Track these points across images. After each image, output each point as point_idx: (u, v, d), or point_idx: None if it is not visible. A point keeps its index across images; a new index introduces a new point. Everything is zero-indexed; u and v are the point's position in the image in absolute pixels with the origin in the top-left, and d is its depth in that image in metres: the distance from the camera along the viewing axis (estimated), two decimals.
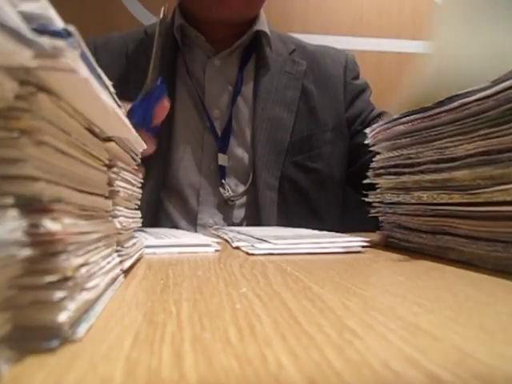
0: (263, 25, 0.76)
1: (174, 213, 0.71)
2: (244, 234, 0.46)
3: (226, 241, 0.44)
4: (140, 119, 0.48)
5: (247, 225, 0.69)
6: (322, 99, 0.78)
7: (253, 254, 0.34)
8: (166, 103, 0.51)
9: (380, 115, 0.78)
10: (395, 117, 0.39)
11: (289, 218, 0.68)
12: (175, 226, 0.67)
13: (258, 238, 0.40)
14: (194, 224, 0.69)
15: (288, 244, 0.36)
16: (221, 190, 0.69)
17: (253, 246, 0.36)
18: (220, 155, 0.70)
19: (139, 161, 0.31)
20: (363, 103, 0.81)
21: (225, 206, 0.70)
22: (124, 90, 0.71)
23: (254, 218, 0.68)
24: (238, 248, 0.38)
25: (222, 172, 0.70)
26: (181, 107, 0.73)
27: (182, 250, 0.36)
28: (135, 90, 0.71)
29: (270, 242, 0.36)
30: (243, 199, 0.71)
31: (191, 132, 0.73)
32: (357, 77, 0.83)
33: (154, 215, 0.70)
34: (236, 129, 0.73)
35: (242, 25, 0.74)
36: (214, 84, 0.74)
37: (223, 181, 0.69)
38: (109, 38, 0.80)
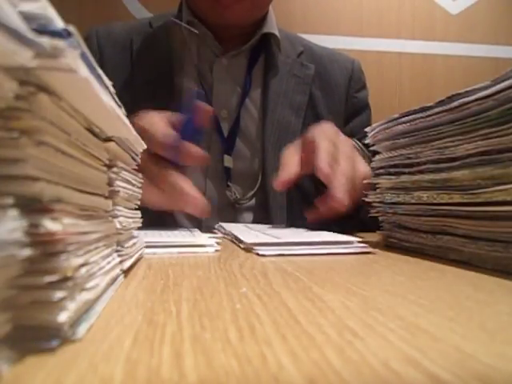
0: (272, 25, 0.75)
1: (180, 215, 0.71)
2: (255, 231, 0.46)
3: (232, 240, 0.44)
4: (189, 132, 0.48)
5: None
6: (327, 107, 0.77)
7: (263, 255, 0.34)
8: (201, 106, 0.49)
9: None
10: (395, 116, 0.39)
11: (296, 223, 0.67)
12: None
13: (274, 237, 0.40)
14: (199, 227, 0.68)
15: (291, 245, 0.36)
16: (227, 192, 0.68)
17: (263, 246, 0.35)
18: (226, 157, 0.69)
19: (139, 161, 0.31)
20: (359, 125, 0.79)
21: (231, 209, 0.69)
22: (128, 84, 0.71)
23: (263, 222, 0.67)
24: (246, 249, 0.38)
25: (227, 174, 0.69)
26: None
27: (182, 250, 0.36)
28: (140, 86, 0.71)
29: (280, 244, 0.36)
30: (251, 203, 0.69)
31: None
32: (362, 88, 0.82)
33: (160, 218, 0.69)
34: (243, 130, 0.71)
35: (250, 25, 0.73)
36: (222, 84, 0.73)
37: (229, 183, 0.68)
38: (112, 28, 0.78)
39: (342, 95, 0.79)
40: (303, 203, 0.69)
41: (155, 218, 0.66)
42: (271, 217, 0.67)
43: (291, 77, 0.75)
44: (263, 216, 0.68)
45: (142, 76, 0.72)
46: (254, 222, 0.69)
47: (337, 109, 0.78)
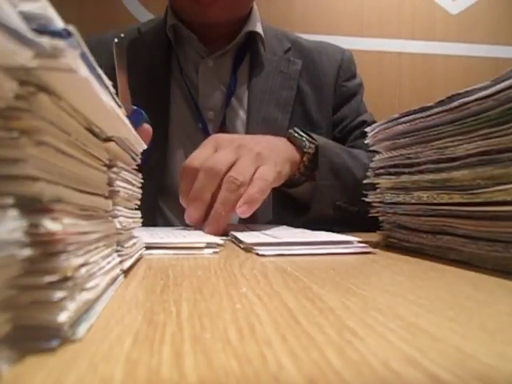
0: (256, 24, 0.75)
1: (172, 217, 0.71)
2: (255, 233, 0.46)
3: (232, 240, 0.44)
4: None
5: None
6: (316, 100, 0.77)
7: (263, 255, 0.34)
8: (145, 128, 0.49)
9: (361, 124, 0.77)
10: (395, 116, 0.39)
11: (282, 219, 0.67)
12: None
13: (272, 237, 0.40)
14: (191, 228, 0.68)
15: (291, 245, 0.36)
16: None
17: (263, 247, 0.35)
18: None
19: (139, 161, 0.31)
20: (349, 110, 0.79)
21: None
22: (117, 91, 0.71)
23: (250, 219, 0.68)
24: (246, 249, 0.38)
25: None
26: (175, 108, 0.73)
27: (181, 252, 0.35)
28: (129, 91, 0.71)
29: (280, 244, 0.36)
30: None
31: (186, 134, 0.72)
32: (351, 77, 0.82)
33: (152, 220, 0.69)
34: (230, 131, 0.72)
35: (233, 24, 0.73)
36: (207, 85, 0.73)
37: None
38: (103, 36, 0.79)
39: (330, 86, 0.79)
40: (288, 199, 0.69)
41: (148, 223, 0.66)
42: (257, 214, 0.67)
43: (278, 73, 0.75)
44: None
45: (130, 81, 0.72)
46: (241, 220, 0.69)
47: (326, 100, 0.78)
